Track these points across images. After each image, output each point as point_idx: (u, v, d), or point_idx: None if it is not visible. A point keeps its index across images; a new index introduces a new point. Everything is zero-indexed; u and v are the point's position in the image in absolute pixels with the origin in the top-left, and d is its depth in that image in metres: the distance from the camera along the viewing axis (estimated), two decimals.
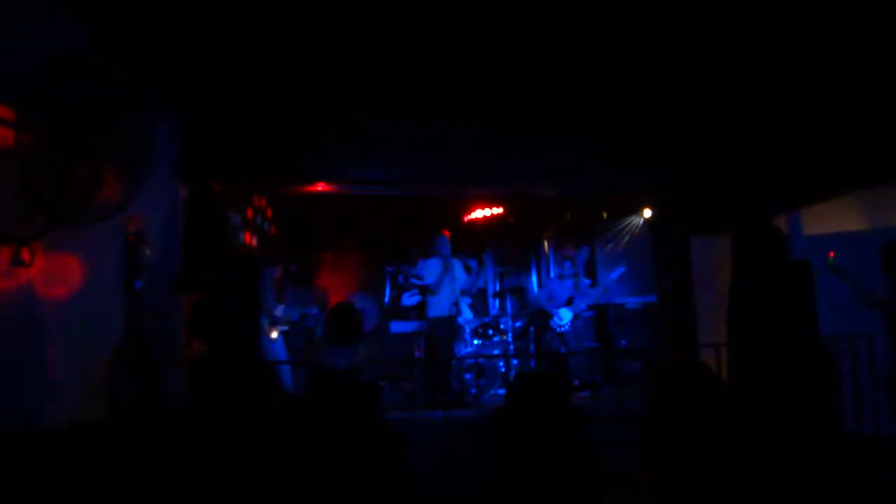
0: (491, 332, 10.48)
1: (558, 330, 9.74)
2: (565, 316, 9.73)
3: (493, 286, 12.83)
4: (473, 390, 8.78)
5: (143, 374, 5.34)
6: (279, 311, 8.75)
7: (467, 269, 10.11)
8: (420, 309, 10.33)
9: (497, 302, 11.98)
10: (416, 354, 10.70)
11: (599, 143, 7.76)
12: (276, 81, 6.00)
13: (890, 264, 5.94)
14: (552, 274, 12.16)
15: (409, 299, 11.26)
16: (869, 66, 5.89)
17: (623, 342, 10.77)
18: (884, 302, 5.98)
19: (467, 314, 10.37)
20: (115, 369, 5.51)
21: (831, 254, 6.42)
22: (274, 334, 8.59)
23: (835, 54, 5.69)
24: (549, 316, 9.81)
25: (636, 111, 6.85)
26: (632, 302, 10.80)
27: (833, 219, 8.65)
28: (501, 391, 9.09)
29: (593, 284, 10.39)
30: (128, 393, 5.48)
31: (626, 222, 10.95)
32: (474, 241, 12.15)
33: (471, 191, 10.44)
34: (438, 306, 9.11)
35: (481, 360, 9.46)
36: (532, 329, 10.93)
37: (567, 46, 5.59)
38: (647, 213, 10.40)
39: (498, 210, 11.42)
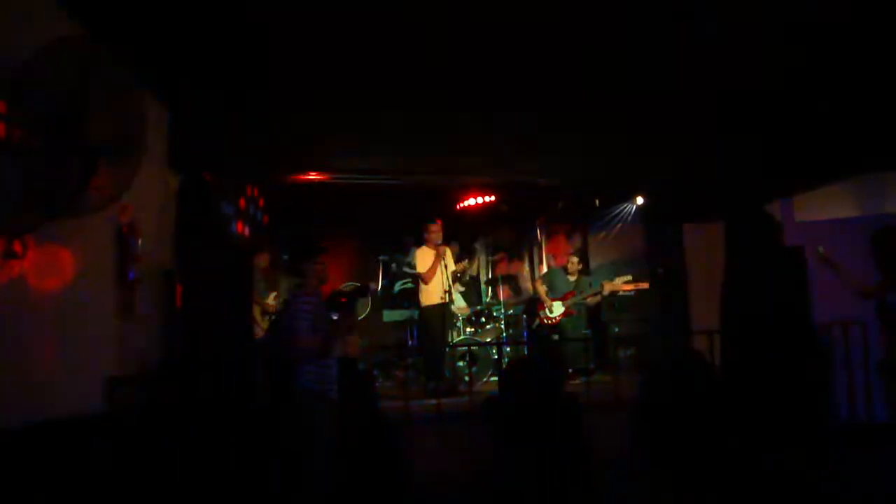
0: (483, 319, 10.49)
1: (547, 321, 9.75)
2: (556, 309, 9.72)
3: (486, 274, 12.84)
4: (467, 378, 8.78)
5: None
6: (270, 299, 8.75)
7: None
8: (412, 297, 10.31)
9: (490, 290, 11.98)
10: (409, 343, 10.71)
11: (593, 132, 7.75)
12: (269, 71, 5.97)
13: (879, 253, 5.82)
14: (553, 263, 12.14)
15: (402, 287, 11.26)
16: (861, 53, 5.89)
17: (616, 329, 10.79)
18: (872, 291, 5.83)
19: (459, 302, 10.37)
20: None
21: (821, 246, 6.36)
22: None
23: (826, 41, 5.67)
24: (542, 304, 9.82)
25: (630, 101, 6.83)
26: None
27: (825, 205, 8.67)
28: (494, 379, 9.10)
29: (587, 272, 10.38)
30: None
31: (619, 209, 10.95)
32: (467, 229, 12.16)
33: (464, 179, 10.45)
34: (431, 294, 9.09)
35: (474, 348, 9.47)
36: (525, 317, 10.94)
37: (560, 40, 5.57)
38: (640, 200, 10.41)
39: (490, 198, 11.42)
